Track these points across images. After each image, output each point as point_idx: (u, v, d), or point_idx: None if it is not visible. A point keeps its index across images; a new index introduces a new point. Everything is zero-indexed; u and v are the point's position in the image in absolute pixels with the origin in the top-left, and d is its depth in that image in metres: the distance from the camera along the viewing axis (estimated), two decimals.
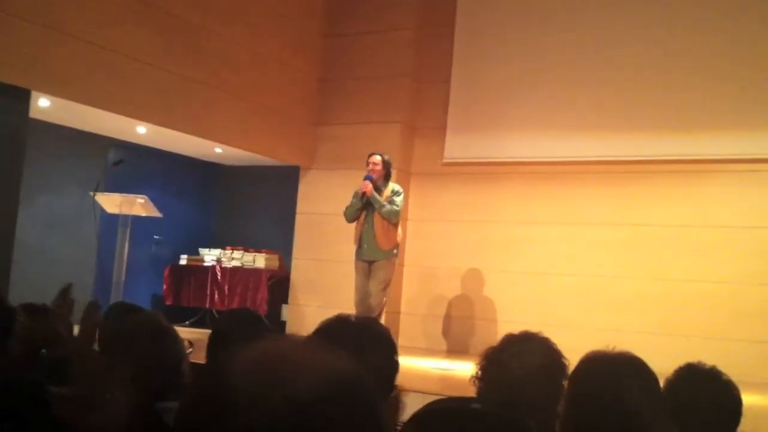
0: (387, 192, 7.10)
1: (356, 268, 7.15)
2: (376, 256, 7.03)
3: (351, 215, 7.15)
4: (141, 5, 7.11)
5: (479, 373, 2.00)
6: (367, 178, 7.06)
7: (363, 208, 7.08)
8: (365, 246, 7.07)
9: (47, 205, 8.46)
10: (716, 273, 7.28)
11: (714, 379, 2.20)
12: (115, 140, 8.69)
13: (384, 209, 6.99)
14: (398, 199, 7.07)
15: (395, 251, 7.17)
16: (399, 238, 7.20)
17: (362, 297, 7.05)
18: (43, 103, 7.05)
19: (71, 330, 2.90)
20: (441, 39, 8.84)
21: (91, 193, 7.46)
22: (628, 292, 7.58)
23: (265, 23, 8.48)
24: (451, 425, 1.32)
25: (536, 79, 8.28)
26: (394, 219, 7.05)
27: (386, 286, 7.10)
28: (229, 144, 8.58)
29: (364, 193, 7.00)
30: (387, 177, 7.20)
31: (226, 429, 0.89)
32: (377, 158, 7.14)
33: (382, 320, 7.03)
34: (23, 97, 6.37)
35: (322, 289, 8.67)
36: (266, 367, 0.92)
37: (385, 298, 7.10)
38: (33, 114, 6.78)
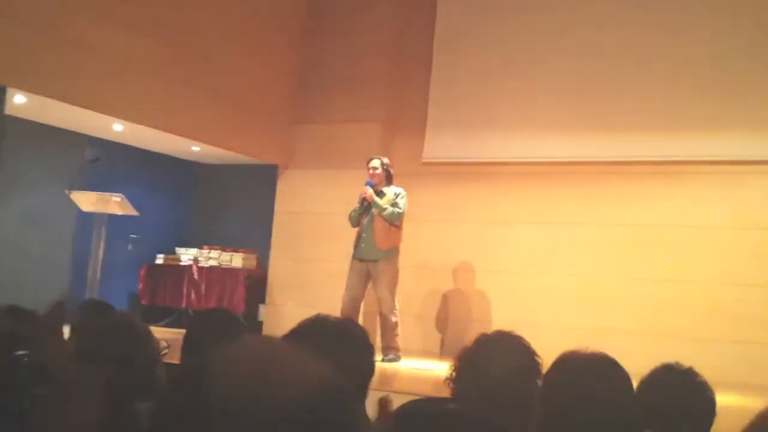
0: (389, 195, 7.08)
1: (351, 266, 7.10)
2: (374, 255, 6.96)
3: (354, 220, 7.12)
4: (118, 2, 7.05)
5: (453, 374, 2.00)
6: (367, 184, 7.05)
7: (364, 212, 7.06)
8: (362, 245, 7.03)
9: (22, 203, 8.37)
10: (693, 273, 7.34)
11: (688, 380, 2.21)
12: (92, 137, 8.61)
13: (386, 212, 6.96)
14: (401, 202, 7.05)
15: (396, 252, 7.09)
16: (400, 240, 7.12)
17: (353, 296, 6.99)
18: (18, 100, 6.98)
19: (58, 338, 2.87)
20: (421, 37, 8.85)
21: (67, 192, 7.39)
22: (607, 292, 7.62)
23: (244, 21, 8.44)
24: (427, 425, 1.32)
25: (515, 79, 8.30)
26: (396, 221, 7.02)
27: (393, 288, 7.03)
28: (206, 142, 8.54)
29: (364, 199, 6.99)
30: (389, 180, 7.17)
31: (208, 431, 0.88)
32: (376, 163, 7.12)
33: (400, 323, 7.01)
34: None
35: (299, 288, 8.65)
36: (251, 371, 0.92)
37: (397, 302, 7.04)
38: (8, 111, 6.71)
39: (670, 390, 2.16)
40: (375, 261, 6.97)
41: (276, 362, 0.98)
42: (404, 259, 8.54)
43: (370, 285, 7.10)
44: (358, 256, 7.06)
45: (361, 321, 7.10)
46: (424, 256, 8.55)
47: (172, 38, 7.58)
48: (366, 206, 7.03)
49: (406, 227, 8.58)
